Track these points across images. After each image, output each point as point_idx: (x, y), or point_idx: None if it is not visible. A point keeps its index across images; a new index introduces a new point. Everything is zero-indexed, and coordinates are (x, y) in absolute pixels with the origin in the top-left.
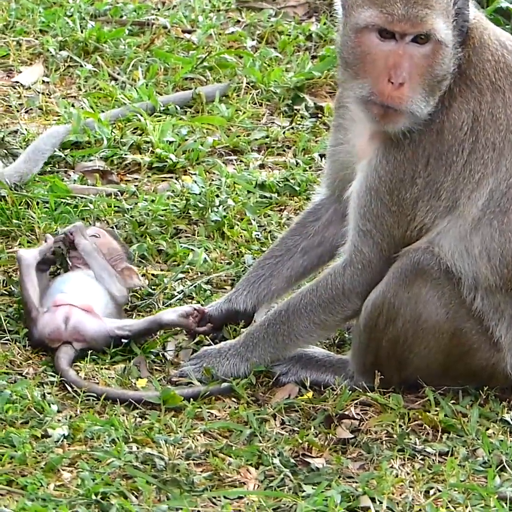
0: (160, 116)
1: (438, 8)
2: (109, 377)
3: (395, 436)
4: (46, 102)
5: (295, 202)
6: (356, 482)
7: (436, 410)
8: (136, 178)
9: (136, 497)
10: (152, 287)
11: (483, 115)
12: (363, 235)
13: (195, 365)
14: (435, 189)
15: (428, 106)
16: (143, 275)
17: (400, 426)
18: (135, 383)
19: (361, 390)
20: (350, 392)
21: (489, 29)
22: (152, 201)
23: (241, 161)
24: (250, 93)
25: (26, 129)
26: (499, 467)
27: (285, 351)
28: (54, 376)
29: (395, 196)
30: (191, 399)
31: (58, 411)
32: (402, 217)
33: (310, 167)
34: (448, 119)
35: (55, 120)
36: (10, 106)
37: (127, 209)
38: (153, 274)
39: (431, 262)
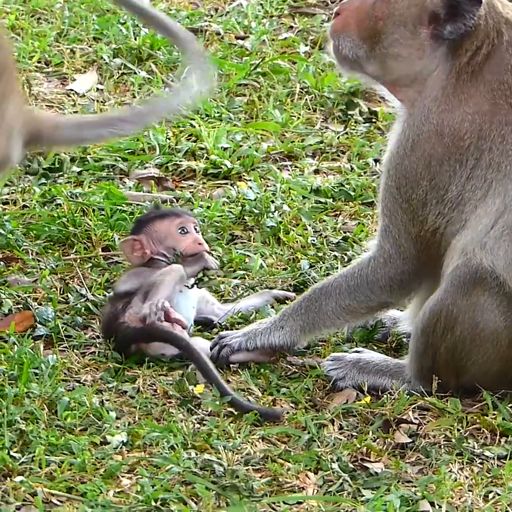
0: (214, 122)
1: None
2: (167, 384)
3: (453, 440)
4: (101, 109)
5: (350, 207)
6: (415, 487)
7: (494, 414)
8: (191, 185)
9: (196, 503)
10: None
11: (492, 135)
12: (384, 230)
13: (240, 337)
14: (441, 195)
15: (356, 48)
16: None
17: (458, 430)
18: (192, 390)
19: (418, 395)
20: (408, 396)
21: None
22: (208, 207)
23: (295, 166)
24: (304, 99)
25: None
26: None
27: (313, 329)
28: (112, 383)
29: (403, 193)
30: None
31: (117, 418)
32: (414, 216)
33: (364, 172)
34: (449, 124)
35: None
36: (65, 114)
37: None
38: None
39: (488, 271)
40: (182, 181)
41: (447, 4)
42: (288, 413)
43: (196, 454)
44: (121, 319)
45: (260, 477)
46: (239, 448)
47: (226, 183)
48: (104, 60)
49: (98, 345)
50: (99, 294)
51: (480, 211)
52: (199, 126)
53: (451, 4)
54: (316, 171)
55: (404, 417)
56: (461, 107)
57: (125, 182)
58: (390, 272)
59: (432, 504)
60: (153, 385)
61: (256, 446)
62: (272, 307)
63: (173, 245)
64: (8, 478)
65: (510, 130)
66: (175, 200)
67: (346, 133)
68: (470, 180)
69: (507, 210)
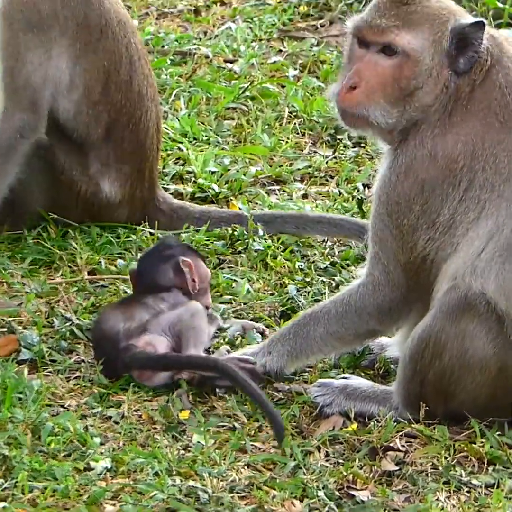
0: (202, 145)
1: (410, 22)
2: (152, 409)
3: (440, 468)
4: None
5: None
6: None
7: (481, 442)
8: None
9: None
10: None
11: (485, 154)
12: (373, 257)
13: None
14: (432, 219)
15: (389, 116)
16: None
17: (446, 458)
18: (178, 415)
19: (406, 422)
20: (395, 423)
21: (509, 69)
22: (196, 231)
23: (284, 191)
24: (293, 123)
25: None
26: None
27: (301, 355)
28: (97, 408)
29: (394, 219)
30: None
31: (101, 444)
32: (404, 243)
33: (353, 197)
34: (443, 147)
35: None
36: None
37: None
38: None
39: (477, 297)
40: None
41: (456, 38)
42: (274, 439)
43: (181, 481)
44: (130, 341)
45: (245, 505)
46: (224, 475)
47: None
48: None
49: (82, 370)
50: (85, 319)
51: (472, 234)
52: (187, 149)
53: (459, 37)
54: (304, 196)
55: (391, 445)
56: (454, 130)
57: None
58: (378, 300)
59: None
60: (138, 411)
61: (241, 473)
62: (262, 334)
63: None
64: None
65: (502, 148)
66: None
67: (335, 157)
68: (463, 202)
69: (499, 231)
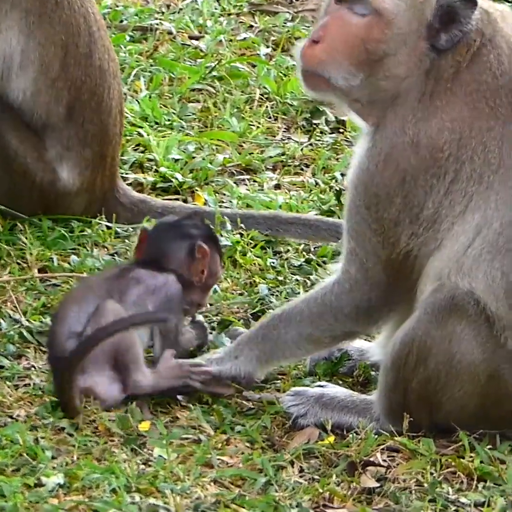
0: (164, 131)
1: None
2: (109, 420)
3: (425, 485)
4: None
5: None
6: None
7: (471, 456)
8: None
9: None
10: None
11: (473, 143)
12: (350, 253)
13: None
14: (415, 213)
15: (352, 80)
16: None
17: (432, 473)
18: (137, 427)
19: (388, 434)
20: (376, 436)
21: (504, 50)
22: None
23: (254, 180)
24: (264, 106)
25: None
26: None
27: (271, 360)
28: (48, 419)
29: (373, 212)
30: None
31: (53, 458)
32: (385, 238)
33: (330, 188)
34: (426, 134)
35: None
36: None
37: (129, 234)
38: None
39: (465, 297)
40: None
41: (442, 11)
42: (243, 453)
43: (141, 498)
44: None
45: None
46: (188, 491)
47: (177, 199)
48: None
49: (33, 376)
50: (35, 320)
51: (458, 228)
52: (148, 135)
53: (446, 11)
54: (277, 186)
55: (372, 459)
56: (439, 115)
57: None
58: (356, 299)
59: None
60: (94, 422)
61: (207, 489)
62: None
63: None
64: None
65: (491, 136)
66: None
67: (311, 144)
68: (448, 195)
69: (487, 225)
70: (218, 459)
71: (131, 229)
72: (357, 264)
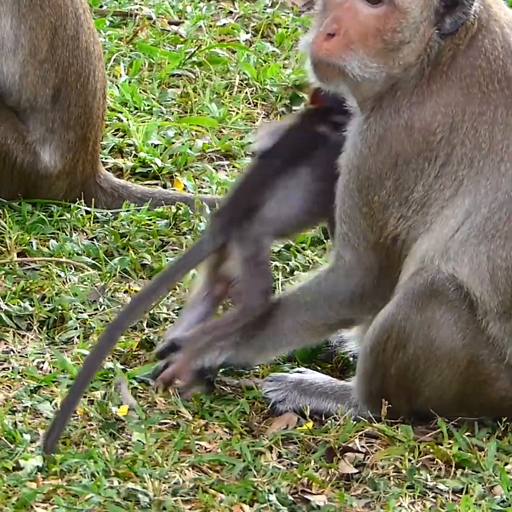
0: (144, 116)
1: None
2: (88, 404)
3: (404, 471)
4: None
5: None
6: None
7: (449, 443)
8: None
9: None
10: None
11: (465, 127)
12: (343, 239)
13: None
14: (404, 196)
15: (367, 69)
16: (126, 291)
17: (410, 460)
18: (116, 411)
19: (366, 421)
20: (354, 422)
21: (498, 35)
22: (137, 210)
23: (233, 166)
24: (244, 92)
25: None
26: None
27: (268, 348)
28: (27, 402)
29: (364, 195)
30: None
31: (31, 441)
32: (374, 221)
33: None
34: (420, 118)
35: None
36: None
37: (108, 219)
38: (136, 291)
39: (446, 281)
40: None
41: None
42: (221, 439)
43: (119, 483)
44: None
45: (190, 509)
46: (166, 476)
47: (156, 184)
48: None
49: (11, 360)
50: (14, 304)
51: (447, 212)
52: (127, 120)
53: None
54: None
55: (350, 445)
56: (433, 99)
57: None
58: (351, 285)
59: None
60: None
61: (185, 474)
62: None
63: None
64: None
65: (483, 121)
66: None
67: None
68: (438, 179)
69: (476, 210)
70: (197, 444)
71: (110, 214)
72: (350, 250)
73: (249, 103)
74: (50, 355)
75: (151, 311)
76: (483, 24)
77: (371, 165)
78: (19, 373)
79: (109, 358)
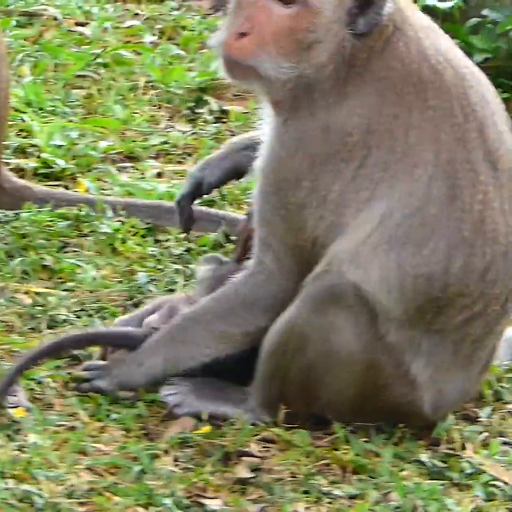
0: (47, 116)
1: None
2: None
3: (300, 476)
4: None
5: None
6: None
7: (345, 449)
8: None
9: None
10: (36, 306)
11: (380, 130)
12: (262, 243)
13: (101, 374)
14: (322, 196)
15: (280, 69)
16: (26, 292)
17: (306, 465)
18: (11, 414)
19: (263, 425)
20: (251, 426)
21: (412, 38)
22: (38, 211)
23: (136, 169)
24: (148, 94)
25: None
26: None
27: (178, 363)
28: None
29: (281, 197)
30: None
31: None
32: (292, 224)
33: None
34: (337, 119)
35: None
36: None
37: (9, 219)
38: (36, 292)
39: (346, 287)
40: None
41: None
42: (118, 441)
43: (15, 484)
44: None
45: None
46: (62, 478)
47: (59, 185)
48: None
49: None
50: None
51: (364, 215)
52: (31, 120)
53: None
54: (159, 175)
55: (247, 450)
56: (349, 100)
57: None
58: (272, 291)
59: None
60: None
61: (81, 477)
62: None
63: None
64: None
65: (398, 124)
66: None
67: (194, 133)
68: (355, 180)
69: (390, 215)
70: (93, 446)
71: (12, 215)
72: (271, 254)
73: (153, 105)
74: None
75: (51, 313)
76: (397, 27)
77: (288, 167)
78: None
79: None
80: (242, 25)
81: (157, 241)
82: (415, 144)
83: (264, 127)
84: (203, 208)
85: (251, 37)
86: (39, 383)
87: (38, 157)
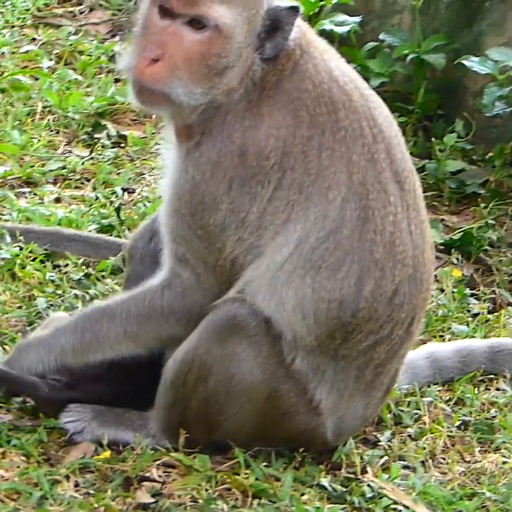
0: None
1: None
2: None
3: (200, 500)
4: None
5: None
6: None
7: (246, 473)
8: None
9: None
10: None
11: (295, 152)
12: (179, 259)
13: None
14: (241, 218)
15: (192, 95)
16: None
17: (207, 490)
18: None
19: (164, 450)
20: (152, 452)
21: (319, 60)
22: None
23: (35, 194)
24: (46, 119)
25: None
26: None
27: (87, 352)
28: None
29: (198, 219)
30: None
31: None
32: (211, 244)
33: (111, 203)
34: (254, 142)
35: None
36: None
37: None
38: None
39: (248, 316)
40: None
41: (268, 20)
42: (18, 467)
43: None
44: None
45: None
46: None
47: None
48: None
49: None
50: None
51: (281, 238)
52: None
53: (271, 19)
54: (57, 200)
55: (147, 475)
56: (265, 123)
57: None
58: (188, 304)
59: None
60: None
61: None
62: None
63: None
64: None
65: (312, 146)
66: None
67: (92, 158)
68: (271, 203)
69: (305, 238)
70: None
71: None
72: (189, 270)
73: (51, 131)
74: None
75: None
76: (304, 50)
77: (205, 190)
78: None
79: None
80: (153, 50)
81: (55, 266)
82: (329, 166)
83: (167, 151)
84: (101, 235)
85: (163, 63)
86: None
87: None
